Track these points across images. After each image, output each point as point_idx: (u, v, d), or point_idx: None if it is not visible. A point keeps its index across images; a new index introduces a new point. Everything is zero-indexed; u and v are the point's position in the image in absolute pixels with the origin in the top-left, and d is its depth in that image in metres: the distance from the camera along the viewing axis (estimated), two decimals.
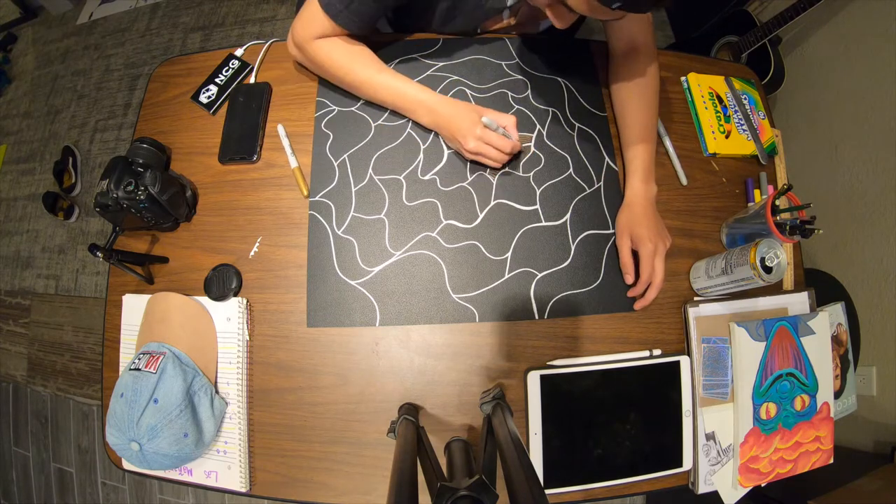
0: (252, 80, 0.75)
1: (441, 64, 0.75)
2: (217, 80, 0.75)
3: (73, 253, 1.73)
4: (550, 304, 0.65)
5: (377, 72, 0.67)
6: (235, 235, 0.67)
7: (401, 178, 0.68)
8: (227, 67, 0.75)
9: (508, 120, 0.65)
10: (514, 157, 0.69)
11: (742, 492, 0.63)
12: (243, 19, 1.94)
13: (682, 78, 0.79)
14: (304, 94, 0.73)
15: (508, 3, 0.70)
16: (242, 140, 0.70)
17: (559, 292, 0.65)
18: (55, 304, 1.69)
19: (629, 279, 0.65)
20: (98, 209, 0.58)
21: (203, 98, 0.74)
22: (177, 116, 0.74)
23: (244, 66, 0.76)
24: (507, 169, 0.70)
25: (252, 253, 0.66)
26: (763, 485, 0.63)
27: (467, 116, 0.64)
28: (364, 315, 0.63)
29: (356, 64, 0.67)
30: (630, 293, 0.65)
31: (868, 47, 1.21)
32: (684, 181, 0.73)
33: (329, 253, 0.65)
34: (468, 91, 0.73)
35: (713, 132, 0.75)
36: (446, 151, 0.70)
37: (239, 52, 0.77)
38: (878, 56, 1.17)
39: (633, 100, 0.69)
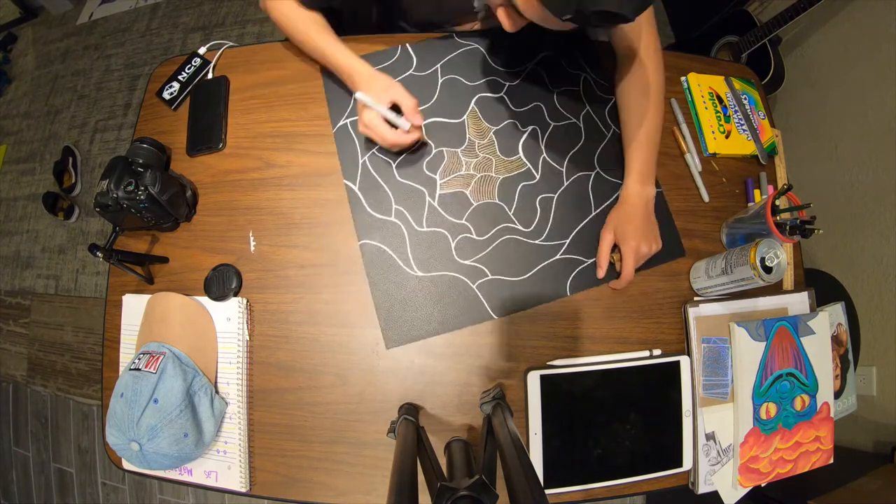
0: (210, 76, 0.75)
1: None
2: (179, 77, 0.75)
3: (73, 253, 1.73)
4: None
5: (318, 31, 0.67)
6: (235, 235, 0.67)
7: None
8: (189, 65, 0.76)
9: (409, 102, 0.62)
10: (420, 146, 0.69)
11: (742, 492, 0.63)
12: (243, 19, 1.94)
13: (682, 78, 0.79)
14: (302, 93, 0.73)
15: (475, 7, 0.70)
16: (207, 131, 0.71)
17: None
18: (55, 304, 1.69)
19: (600, 273, 0.66)
20: (98, 209, 0.58)
21: (166, 94, 0.74)
22: (177, 116, 0.74)
23: (205, 63, 0.76)
24: (406, 154, 0.69)
25: (252, 248, 0.66)
26: (763, 485, 0.63)
27: (369, 92, 0.62)
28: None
29: (302, 23, 0.68)
30: (611, 285, 0.67)
31: (868, 47, 1.20)
32: (706, 198, 0.73)
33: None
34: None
35: (713, 132, 0.75)
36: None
37: (202, 50, 0.77)
38: (878, 56, 1.17)
39: (631, 102, 0.68)
